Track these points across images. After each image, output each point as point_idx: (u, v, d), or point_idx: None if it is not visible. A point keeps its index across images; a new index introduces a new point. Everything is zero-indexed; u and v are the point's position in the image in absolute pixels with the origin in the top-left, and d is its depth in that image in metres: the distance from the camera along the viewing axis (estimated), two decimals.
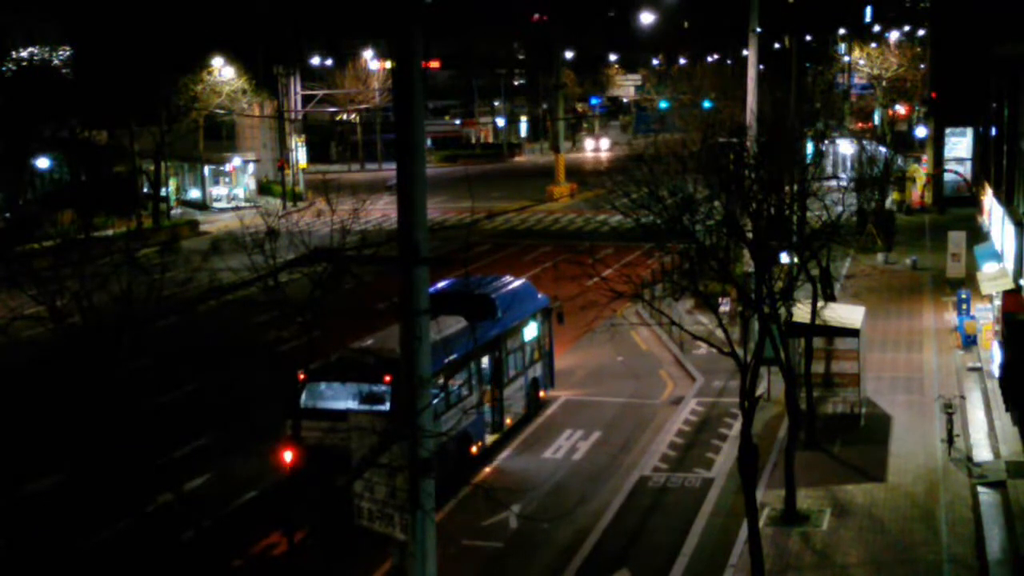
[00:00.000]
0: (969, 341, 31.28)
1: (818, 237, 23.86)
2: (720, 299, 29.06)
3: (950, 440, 23.44)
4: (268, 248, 12.80)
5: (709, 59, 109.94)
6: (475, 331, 23.40)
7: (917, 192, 58.18)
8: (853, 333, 25.67)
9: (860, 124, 78.17)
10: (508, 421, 25.91)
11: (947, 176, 56.21)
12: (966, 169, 57.36)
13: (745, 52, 39.90)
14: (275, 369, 24.32)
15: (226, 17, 66.99)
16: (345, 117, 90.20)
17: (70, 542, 12.15)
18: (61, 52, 63.67)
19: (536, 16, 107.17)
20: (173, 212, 65.51)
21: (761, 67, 35.51)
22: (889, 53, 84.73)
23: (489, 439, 24.98)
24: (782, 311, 20.99)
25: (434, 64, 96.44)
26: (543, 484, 23.14)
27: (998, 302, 28.58)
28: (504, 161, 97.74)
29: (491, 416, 25.22)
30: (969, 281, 35.40)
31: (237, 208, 62.45)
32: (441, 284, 26.95)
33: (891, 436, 24.80)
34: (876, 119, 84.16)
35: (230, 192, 71.56)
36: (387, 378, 19.89)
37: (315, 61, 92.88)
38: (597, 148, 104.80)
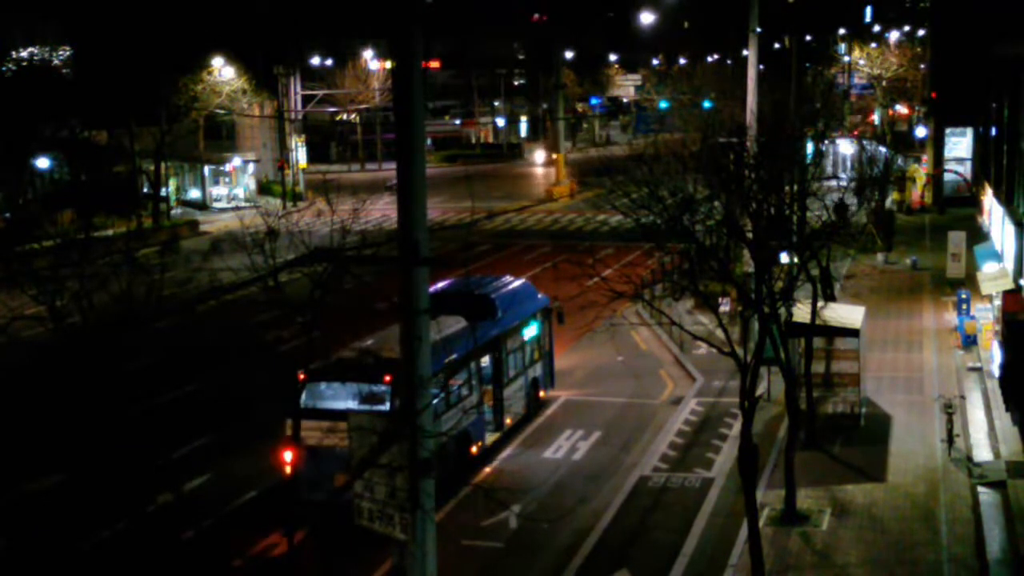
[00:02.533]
0: (969, 341, 31.27)
1: (818, 237, 23.85)
2: (720, 299, 29.05)
3: (950, 440, 23.43)
4: (268, 248, 12.79)
5: (709, 59, 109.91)
6: (475, 331, 23.40)
7: (917, 192, 58.19)
8: (853, 333, 25.66)
9: (871, 118, 78.27)
10: (508, 421, 25.91)
11: (947, 176, 56.21)
12: (966, 169, 57.37)
13: (745, 52, 39.90)
14: (275, 369, 24.34)
15: (226, 17, 66.98)
16: (345, 117, 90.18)
17: (70, 542, 12.14)
18: (61, 52, 63.66)
19: (536, 16, 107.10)
20: (173, 212, 65.50)
21: (761, 67, 35.51)
22: (889, 53, 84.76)
23: (489, 439, 24.98)
24: (782, 311, 20.99)
25: (434, 64, 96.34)
26: (543, 484, 23.14)
27: (998, 302, 28.59)
28: (506, 161, 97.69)
29: (491, 416, 25.22)
30: (969, 281, 35.40)
31: (237, 208, 62.46)
32: (441, 284, 26.96)
33: (891, 436, 24.80)
34: (876, 119, 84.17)
35: (230, 192, 71.56)
36: (387, 378, 19.88)
37: (315, 61, 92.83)
38: (549, 161, 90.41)
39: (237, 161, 71.20)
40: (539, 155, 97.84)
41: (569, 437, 25.90)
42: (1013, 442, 23.83)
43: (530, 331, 27.35)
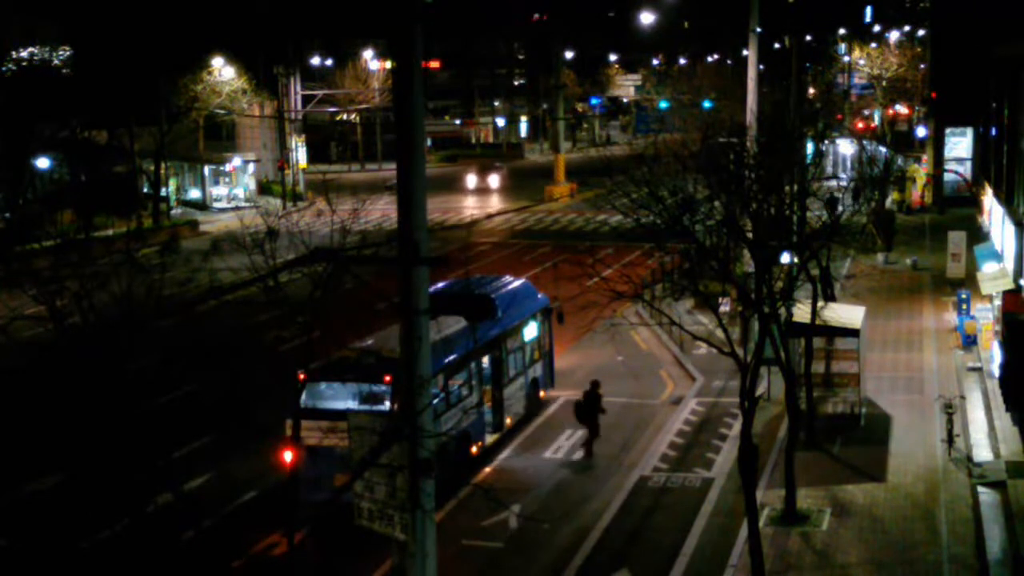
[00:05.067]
0: (969, 341, 31.27)
1: (818, 237, 23.85)
2: (720, 299, 29.03)
3: (950, 440, 23.44)
4: (268, 248, 12.79)
5: (709, 59, 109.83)
6: (475, 331, 23.41)
7: (917, 192, 58.20)
8: (853, 333, 25.66)
9: (870, 125, 78.32)
10: (508, 421, 25.90)
11: (947, 176, 56.21)
12: (966, 169, 57.38)
13: (745, 52, 39.90)
14: (275, 369, 24.32)
15: (226, 17, 66.99)
16: (345, 117, 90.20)
17: (70, 542, 12.15)
18: (61, 52, 63.68)
19: (536, 16, 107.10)
20: (173, 212, 65.52)
21: (761, 67, 35.50)
22: (889, 53, 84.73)
23: (489, 439, 24.98)
24: (782, 311, 20.99)
25: (434, 64, 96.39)
26: (543, 484, 23.15)
27: (998, 302, 28.58)
28: (505, 161, 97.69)
29: (491, 416, 25.22)
30: (969, 281, 35.40)
31: (237, 208, 62.49)
32: (441, 284, 26.95)
33: (891, 436, 24.80)
34: (876, 119, 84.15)
35: (230, 192, 71.58)
36: (387, 378, 19.89)
37: (315, 61, 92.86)
38: (484, 185, 78.69)
39: (237, 161, 71.21)
40: (471, 179, 79.09)
41: (569, 437, 25.89)
42: (1013, 442, 23.83)
43: (530, 331, 27.35)
